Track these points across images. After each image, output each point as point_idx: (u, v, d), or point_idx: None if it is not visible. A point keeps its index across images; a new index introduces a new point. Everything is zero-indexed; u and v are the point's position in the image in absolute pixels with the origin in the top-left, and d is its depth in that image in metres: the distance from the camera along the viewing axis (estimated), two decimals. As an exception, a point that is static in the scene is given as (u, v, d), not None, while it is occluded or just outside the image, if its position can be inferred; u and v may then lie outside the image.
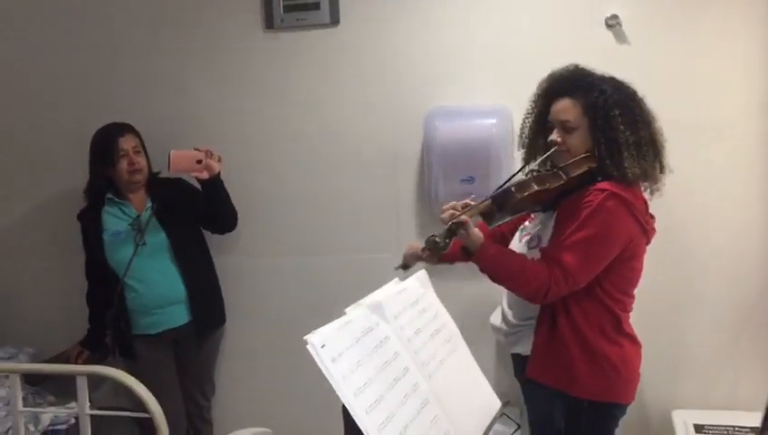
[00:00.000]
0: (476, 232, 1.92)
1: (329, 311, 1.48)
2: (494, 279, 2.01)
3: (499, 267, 1.95)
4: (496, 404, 1.82)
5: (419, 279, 1.81)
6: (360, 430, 1.37)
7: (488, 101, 2.83)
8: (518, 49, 2.80)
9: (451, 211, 1.95)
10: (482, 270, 2.00)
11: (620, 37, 2.69)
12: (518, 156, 2.73)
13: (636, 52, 2.68)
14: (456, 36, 2.86)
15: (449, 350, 1.75)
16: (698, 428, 2.61)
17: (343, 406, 1.39)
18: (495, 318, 2.74)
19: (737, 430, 2.57)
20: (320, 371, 1.37)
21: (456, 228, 1.88)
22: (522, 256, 2.00)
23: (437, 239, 1.87)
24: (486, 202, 1.97)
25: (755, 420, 2.55)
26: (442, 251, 1.89)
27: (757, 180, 2.67)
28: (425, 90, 2.90)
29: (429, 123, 2.81)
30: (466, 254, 1.98)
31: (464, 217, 1.89)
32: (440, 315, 1.80)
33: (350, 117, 2.99)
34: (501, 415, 1.82)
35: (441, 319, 1.80)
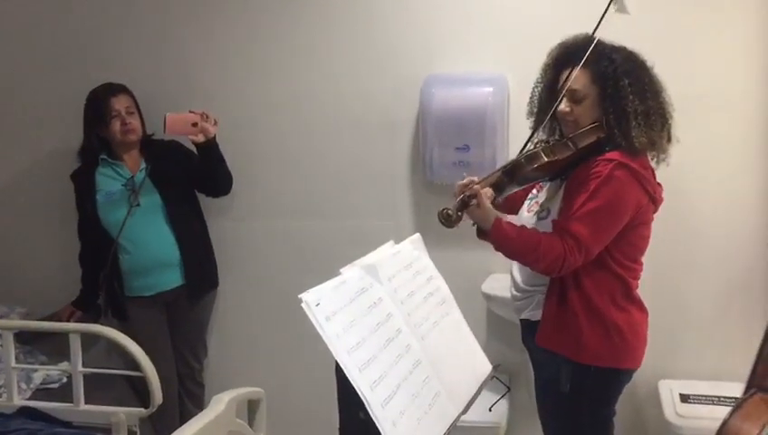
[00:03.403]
0: (489, 206, 1.91)
1: (322, 275, 1.48)
2: (509, 255, 2.02)
3: (514, 244, 1.95)
4: (487, 367, 1.84)
5: (413, 242, 1.82)
6: (352, 389, 1.38)
7: (485, 69, 2.82)
8: (517, 17, 2.79)
9: (462, 185, 1.95)
10: (497, 248, 1.99)
11: (620, 6, 2.67)
12: (514, 124, 2.76)
13: (635, 21, 2.64)
14: (454, 3, 2.84)
15: (442, 313, 1.76)
16: (684, 397, 2.65)
17: (336, 365, 1.40)
18: (489, 287, 2.78)
19: (722, 400, 2.61)
20: (311, 333, 1.38)
21: (468, 200, 1.87)
22: (534, 230, 2.00)
23: (450, 212, 1.86)
24: (497, 174, 1.97)
25: (741, 391, 2.60)
26: (455, 224, 1.88)
27: (754, 154, 2.68)
28: (422, 56, 2.88)
29: (426, 90, 2.80)
30: (479, 233, 1.98)
31: (476, 188, 1.89)
32: (434, 279, 1.81)
33: (346, 82, 2.98)
34: (491, 378, 1.85)
35: (434, 283, 1.80)
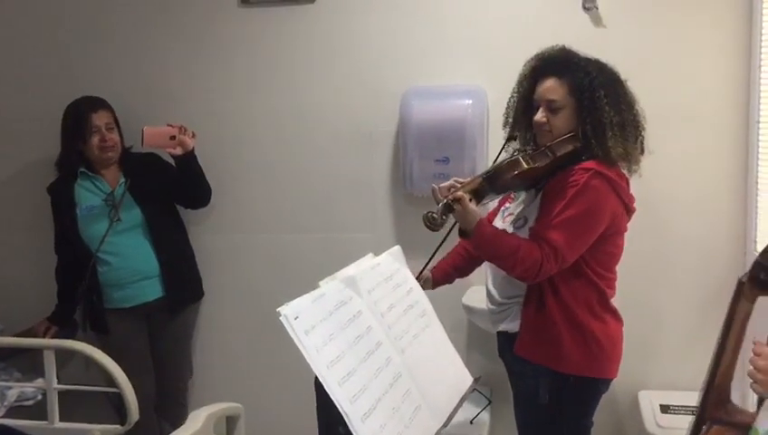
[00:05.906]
0: (473, 208, 1.92)
1: (303, 289, 1.47)
2: (489, 258, 2.05)
3: (495, 246, 1.96)
4: (468, 380, 1.83)
5: (393, 255, 1.81)
6: (332, 403, 1.37)
7: (464, 82, 2.83)
8: (495, 29, 2.81)
9: (445, 188, 1.96)
10: (476, 249, 2.02)
11: (597, 20, 2.71)
12: (493, 137, 2.77)
13: (611, 35, 2.69)
14: (433, 16, 2.85)
15: (422, 325, 1.76)
16: (664, 408, 2.65)
17: (316, 379, 1.39)
18: (469, 299, 2.77)
19: (702, 411, 2.61)
20: (293, 347, 1.37)
21: (452, 204, 1.88)
22: (515, 235, 2.02)
23: (435, 215, 1.87)
24: (478, 180, 1.98)
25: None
26: (440, 227, 1.88)
27: (727, 164, 2.71)
28: (402, 69, 2.89)
29: (405, 103, 2.80)
30: (462, 234, 1.99)
31: (459, 193, 1.90)
32: (414, 291, 1.80)
33: (325, 95, 2.98)
34: (472, 391, 1.84)
35: (415, 295, 1.80)
